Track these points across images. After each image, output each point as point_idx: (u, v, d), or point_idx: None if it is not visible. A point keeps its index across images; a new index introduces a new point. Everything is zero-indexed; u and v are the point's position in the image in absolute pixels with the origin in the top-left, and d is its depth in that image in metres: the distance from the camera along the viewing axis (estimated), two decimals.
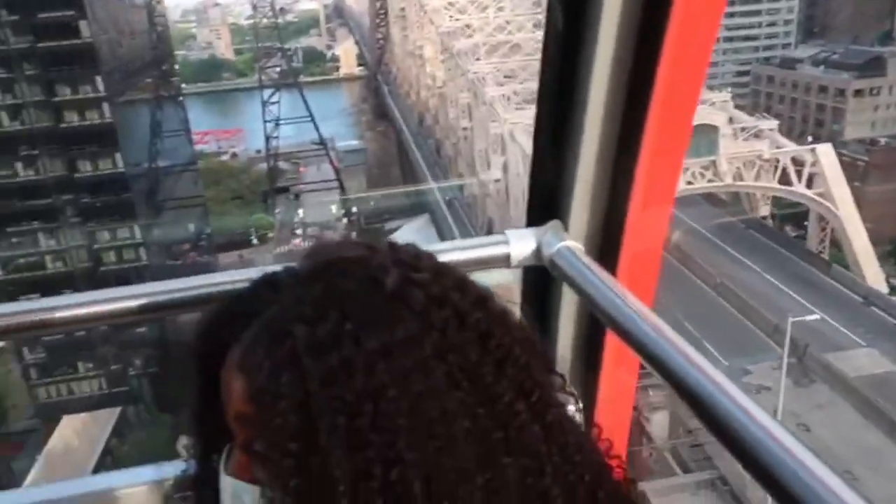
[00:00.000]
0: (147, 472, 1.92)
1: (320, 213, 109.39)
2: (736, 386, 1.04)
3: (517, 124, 44.23)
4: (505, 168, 48.18)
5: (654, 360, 1.22)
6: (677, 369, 1.15)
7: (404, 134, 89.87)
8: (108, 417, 63.09)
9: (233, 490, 1.05)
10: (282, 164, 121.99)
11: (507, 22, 64.42)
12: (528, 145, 38.95)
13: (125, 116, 63.92)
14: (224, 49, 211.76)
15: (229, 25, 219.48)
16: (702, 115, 37.87)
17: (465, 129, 59.25)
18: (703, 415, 1.06)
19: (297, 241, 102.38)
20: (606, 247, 1.78)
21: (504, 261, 1.70)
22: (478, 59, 57.14)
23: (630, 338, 1.31)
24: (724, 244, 41.14)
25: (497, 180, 50.35)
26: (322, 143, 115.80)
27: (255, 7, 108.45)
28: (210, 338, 1.10)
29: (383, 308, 0.97)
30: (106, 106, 58.45)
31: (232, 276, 1.59)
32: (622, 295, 1.40)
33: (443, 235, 60.61)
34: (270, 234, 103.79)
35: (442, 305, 0.99)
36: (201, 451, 1.19)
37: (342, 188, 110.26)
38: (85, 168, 60.03)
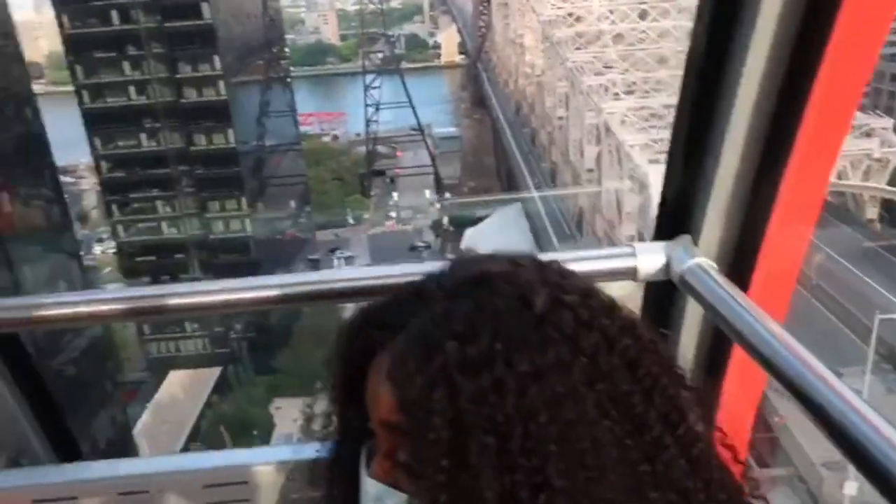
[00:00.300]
0: (277, 452, 1.98)
1: (414, 196, 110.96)
2: (872, 408, 1.02)
3: (613, 114, 43.14)
4: (598, 159, 47.19)
5: (791, 384, 1.18)
6: (814, 393, 1.12)
7: (500, 122, 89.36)
8: (209, 375, 66.53)
9: (376, 493, 1.05)
10: (380, 148, 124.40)
11: (611, 11, 62.71)
12: (623, 136, 37.69)
13: (237, 95, 66.75)
14: (330, 34, 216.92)
15: (336, 11, 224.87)
16: None
17: (560, 118, 58.32)
18: (835, 435, 1.04)
19: (391, 223, 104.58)
20: (739, 265, 1.68)
21: (630, 274, 1.64)
22: (577, 49, 55.97)
23: (764, 358, 1.28)
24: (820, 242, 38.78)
25: (590, 170, 49.41)
26: (420, 129, 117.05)
27: None
28: (356, 339, 1.12)
29: (533, 329, 0.95)
30: (221, 84, 61.34)
31: (370, 273, 1.66)
32: (758, 315, 1.37)
33: (533, 223, 60.27)
34: (366, 216, 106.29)
35: (591, 329, 0.96)
36: (337, 443, 1.22)
37: (437, 174, 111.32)
38: (200, 142, 63.29)
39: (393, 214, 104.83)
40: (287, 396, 64.39)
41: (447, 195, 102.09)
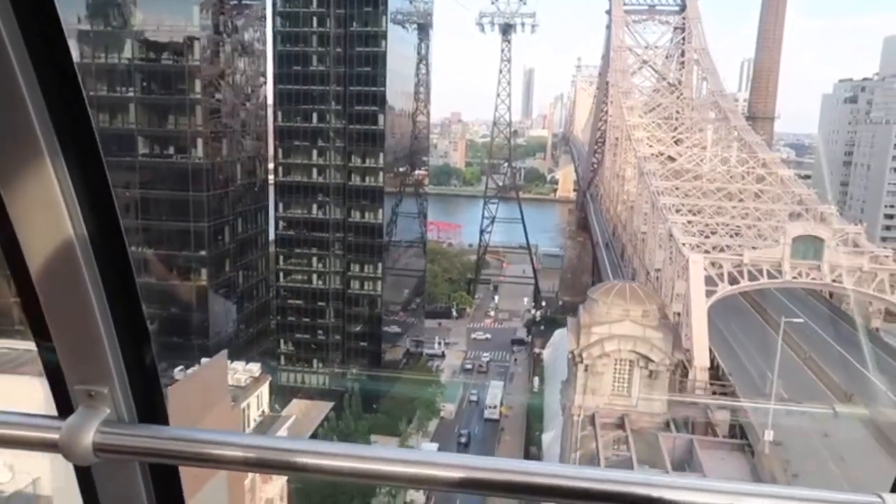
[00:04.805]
0: None
1: (513, 302, 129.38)
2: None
3: (675, 224, 60.29)
4: (664, 261, 63.70)
5: None
6: None
7: (599, 245, 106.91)
8: (323, 408, 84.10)
9: None
10: (489, 258, 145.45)
11: (702, 158, 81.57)
12: (682, 239, 55.09)
13: (389, 186, 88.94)
14: (458, 159, 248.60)
15: (466, 140, 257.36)
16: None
17: (643, 233, 75.67)
18: None
19: (489, 321, 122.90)
20: None
21: None
22: (663, 179, 74.16)
23: None
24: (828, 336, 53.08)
25: (658, 269, 65.89)
26: (528, 246, 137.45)
27: (495, 123, 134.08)
28: None
29: None
30: (381, 174, 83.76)
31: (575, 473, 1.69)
32: None
33: None
34: (468, 311, 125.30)
35: None
36: None
37: (537, 286, 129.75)
38: (356, 216, 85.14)
39: (492, 314, 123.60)
40: (383, 434, 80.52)
41: (543, 303, 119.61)
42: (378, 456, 1.70)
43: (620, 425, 41.36)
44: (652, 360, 40.85)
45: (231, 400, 41.14)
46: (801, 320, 48.35)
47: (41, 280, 1.84)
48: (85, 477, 2.06)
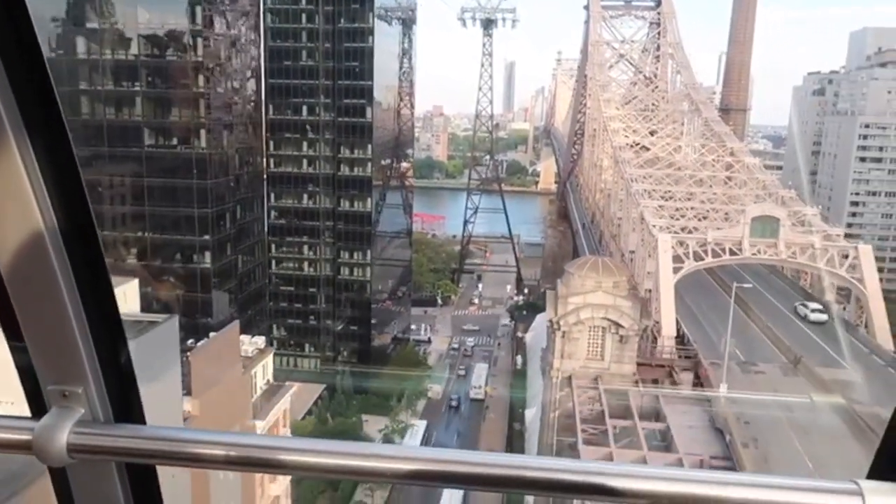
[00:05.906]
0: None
1: (496, 290, 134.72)
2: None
3: (647, 208, 65.60)
4: (637, 244, 69.04)
5: None
6: None
7: (578, 232, 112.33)
8: (316, 389, 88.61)
9: None
10: (472, 248, 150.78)
11: (675, 147, 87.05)
12: (653, 221, 60.54)
13: (375, 178, 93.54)
14: (440, 153, 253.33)
15: (448, 133, 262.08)
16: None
17: (619, 218, 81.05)
18: None
19: (473, 308, 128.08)
20: None
21: None
22: (638, 167, 79.54)
23: None
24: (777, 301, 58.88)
25: (632, 251, 71.25)
26: (510, 235, 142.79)
27: (477, 116, 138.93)
28: None
29: None
30: (370, 165, 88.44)
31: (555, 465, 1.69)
32: None
33: None
34: (453, 299, 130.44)
35: None
36: None
37: (519, 274, 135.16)
38: (344, 205, 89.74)
39: (476, 301, 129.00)
40: (373, 414, 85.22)
41: (526, 290, 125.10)
42: (363, 452, 1.74)
43: (595, 385, 46.48)
44: (622, 326, 46.03)
45: (241, 367, 45.68)
46: (751, 286, 54.73)
47: (11, 277, 1.81)
48: (59, 478, 2.01)
